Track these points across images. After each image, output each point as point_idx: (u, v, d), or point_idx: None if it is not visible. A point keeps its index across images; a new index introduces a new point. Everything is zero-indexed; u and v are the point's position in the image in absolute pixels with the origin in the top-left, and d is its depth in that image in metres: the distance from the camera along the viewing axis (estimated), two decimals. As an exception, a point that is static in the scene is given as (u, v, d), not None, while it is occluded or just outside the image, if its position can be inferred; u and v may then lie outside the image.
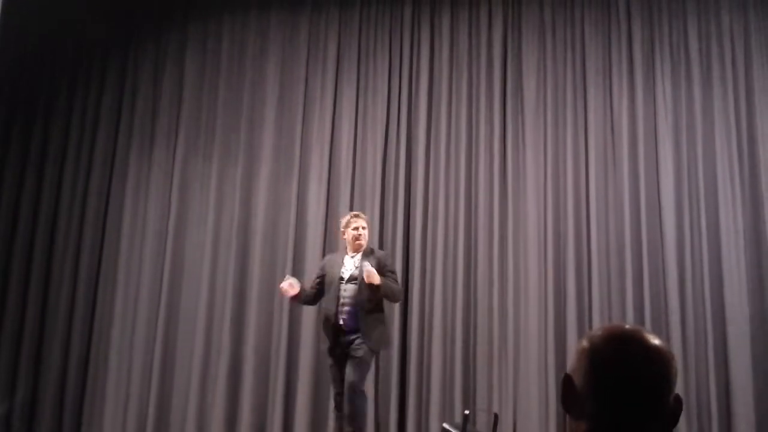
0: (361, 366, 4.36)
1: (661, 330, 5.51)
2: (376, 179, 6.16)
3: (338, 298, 4.45)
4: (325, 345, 4.62)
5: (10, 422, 6.04)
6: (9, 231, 6.44)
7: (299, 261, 6.10)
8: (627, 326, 1.27)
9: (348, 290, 4.46)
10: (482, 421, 5.54)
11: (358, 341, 4.36)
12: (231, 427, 5.89)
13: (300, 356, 5.92)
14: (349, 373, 4.33)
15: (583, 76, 6.15)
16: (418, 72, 6.35)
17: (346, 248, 4.70)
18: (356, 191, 6.19)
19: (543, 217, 5.93)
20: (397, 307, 5.86)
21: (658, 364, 1.18)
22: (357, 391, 4.32)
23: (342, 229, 4.70)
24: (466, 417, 4.18)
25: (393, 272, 4.61)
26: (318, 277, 4.75)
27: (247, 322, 6.06)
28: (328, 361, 4.60)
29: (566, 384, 1.23)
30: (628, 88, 6.08)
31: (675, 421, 1.20)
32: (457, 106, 6.24)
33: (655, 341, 1.21)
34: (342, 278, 4.55)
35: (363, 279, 4.39)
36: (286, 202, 6.25)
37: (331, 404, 5.79)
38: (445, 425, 4.42)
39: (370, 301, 4.41)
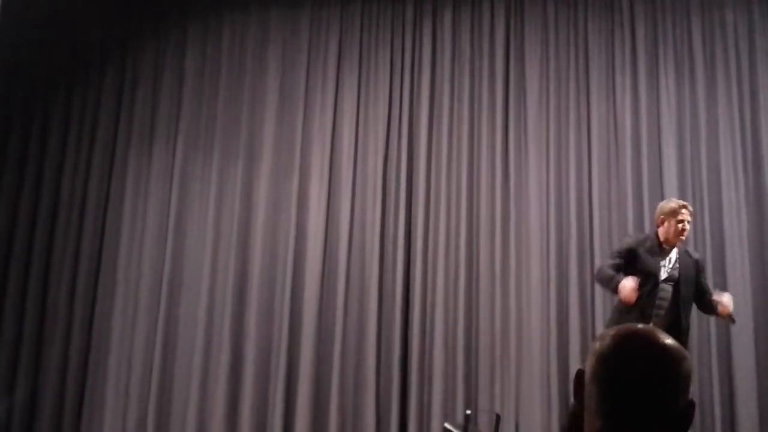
0: None
1: (665, 330, 5.46)
2: (377, 177, 6.12)
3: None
4: None
5: (10, 422, 6.02)
6: (8, 229, 6.40)
7: (300, 259, 6.07)
8: (640, 326, 1.24)
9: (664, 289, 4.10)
10: (484, 421, 5.51)
11: None
12: (231, 425, 5.85)
13: (301, 353, 5.88)
14: None
15: (586, 74, 6.10)
16: (419, 70, 6.31)
17: (655, 237, 4.15)
18: (357, 189, 6.15)
19: (545, 216, 5.89)
20: (398, 307, 5.85)
21: (664, 363, 1.14)
22: None
23: (662, 216, 4.13)
24: (467, 417, 4.18)
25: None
26: (622, 257, 4.17)
27: (247, 320, 6.03)
28: None
29: (578, 380, 1.21)
30: (632, 86, 6.03)
31: (686, 426, 1.14)
32: (459, 103, 6.20)
33: (666, 340, 1.17)
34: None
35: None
36: (286, 200, 6.21)
37: (332, 402, 5.79)
38: (447, 425, 4.41)
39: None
